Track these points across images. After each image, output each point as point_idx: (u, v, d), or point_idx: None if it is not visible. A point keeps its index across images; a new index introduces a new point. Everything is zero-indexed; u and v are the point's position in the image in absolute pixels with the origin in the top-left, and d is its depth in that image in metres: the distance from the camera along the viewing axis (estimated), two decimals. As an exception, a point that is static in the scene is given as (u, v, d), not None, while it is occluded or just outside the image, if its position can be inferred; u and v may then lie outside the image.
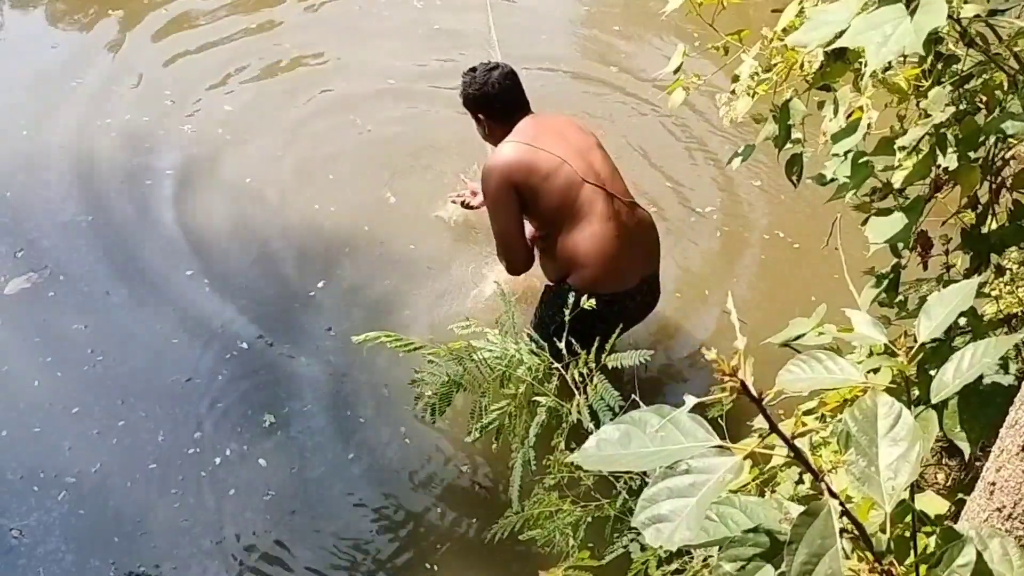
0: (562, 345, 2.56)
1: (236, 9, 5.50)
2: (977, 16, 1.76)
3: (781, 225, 4.18)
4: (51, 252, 3.96)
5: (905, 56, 1.79)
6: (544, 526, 2.51)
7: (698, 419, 1.04)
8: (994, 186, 2.03)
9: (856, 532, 1.07)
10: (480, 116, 3.13)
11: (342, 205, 4.23)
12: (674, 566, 2.20)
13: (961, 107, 1.85)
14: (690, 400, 1.01)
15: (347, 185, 4.33)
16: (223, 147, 4.52)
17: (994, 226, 2.03)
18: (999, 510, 1.28)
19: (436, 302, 3.80)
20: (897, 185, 1.90)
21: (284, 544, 3.05)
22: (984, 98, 1.88)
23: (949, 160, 1.82)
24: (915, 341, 1.24)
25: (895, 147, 1.88)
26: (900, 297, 2.12)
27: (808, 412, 2.03)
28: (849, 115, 1.90)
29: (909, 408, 1.12)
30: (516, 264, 3.15)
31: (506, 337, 2.68)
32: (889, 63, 1.76)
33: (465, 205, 3.58)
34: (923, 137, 1.84)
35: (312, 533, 3.09)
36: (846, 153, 1.90)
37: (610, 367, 2.54)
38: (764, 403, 0.99)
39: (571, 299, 2.59)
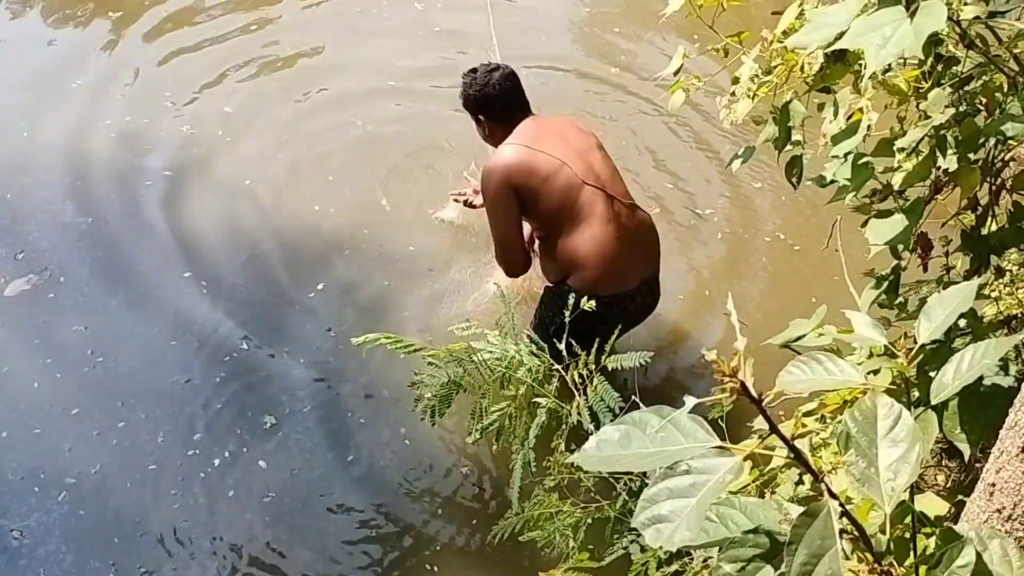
0: (562, 346, 2.56)
1: (235, 8, 5.51)
2: (977, 18, 1.77)
3: (781, 227, 4.18)
4: (51, 254, 3.96)
5: (905, 58, 1.80)
6: (544, 527, 2.51)
7: (698, 420, 1.04)
8: (994, 188, 2.03)
9: (856, 533, 1.07)
10: (480, 117, 3.13)
11: (341, 206, 4.23)
12: (674, 567, 2.20)
13: (961, 109, 1.85)
14: (690, 401, 1.01)
15: (346, 186, 4.33)
16: (222, 148, 4.52)
17: (994, 228, 2.03)
18: (999, 511, 1.28)
19: (436, 304, 3.80)
20: (897, 187, 1.90)
21: (284, 545, 3.05)
22: (984, 100, 1.88)
23: (949, 162, 1.82)
24: (915, 342, 1.25)
25: (895, 149, 1.88)
26: (900, 299, 2.13)
27: (808, 413, 2.03)
28: (849, 117, 1.90)
29: (909, 409, 1.12)
30: (514, 266, 3.16)
31: (506, 338, 2.68)
32: (889, 65, 1.76)
33: (467, 204, 3.57)
34: (923, 139, 1.84)
35: (312, 534, 3.09)
36: (846, 155, 1.90)
37: (610, 368, 2.54)
38: (764, 404, 0.99)
39: (571, 300, 2.59)
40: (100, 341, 3.63)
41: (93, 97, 4.78)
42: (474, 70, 3.11)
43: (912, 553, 1.18)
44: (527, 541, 2.55)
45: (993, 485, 1.29)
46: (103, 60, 5.08)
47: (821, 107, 2.00)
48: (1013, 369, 1.68)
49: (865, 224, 1.93)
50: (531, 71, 4.52)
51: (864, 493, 1.07)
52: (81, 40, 5.27)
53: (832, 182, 1.97)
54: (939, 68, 1.87)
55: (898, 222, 1.85)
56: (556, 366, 2.63)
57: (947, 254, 2.11)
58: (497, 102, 3.07)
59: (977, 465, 2.06)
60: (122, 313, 3.76)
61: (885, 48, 1.42)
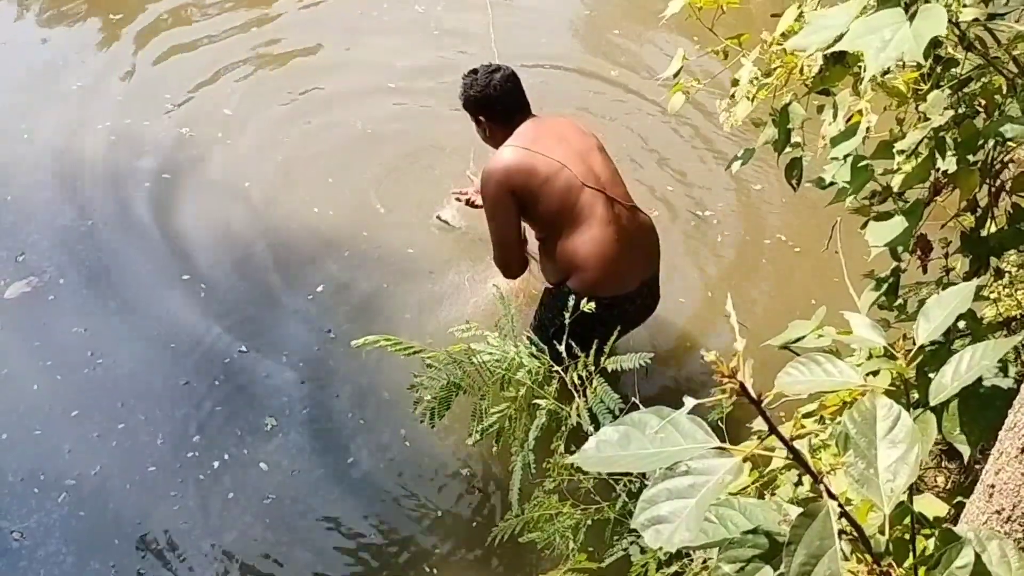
0: (562, 348, 2.56)
1: (234, 6, 5.51)
2: (976, 20, 1.77)
3: (782, 228, 4.18)
4: (51, 256, 3.97)
5: (904, 61, 1.80)
6: (544, 529, 2.50)
7: (697, 420, 1.05)
8: (993, 189, 2.04)
9: (855, 534, 1.07)
10: (481, 118, 3.13)
11: (341, 208, 4.23)
12: (673, 568, 2.20)
13: (960, 111, 1.85)
14: (689, 402, 1.01)
15: (345, 188, 4.33)
16: (221, 150, 4.52)
17: (993, 229, 2.04)
18: (998, 513, 1.28)
19: (436, 306, 3.80)
20: (896, 188, 1.90)
21: (284, 547, 3.05)
22: (983, 102, 1.88)
23: (948, 163, 1.82)
24: (914, 344, 1.25)
25: (894, 151, 1.88)
26: (900, 300, 2.13)
27: (808, 415, 2.03)
28: (848, 119, 1.90)
29: (908, 411, 1.12)
30: (511, 267, 3.18)
31: (506, 340, 2.68)
32: (887, 67, 1.77)
33: (469, 203, 3.57)
34: (922, 141, 1.84)
35: (312, 536, 3.09)
36: (845, 157, 1.90)
37: (609, 370, 2.54)
38: (764, 405, 0.99)
39: (571, 302, 2.59)
40: (100, 343, 3.64)
41: (93, 99, 4.79)
42: (474, 71, 3.11)
43: (911, 554, 1.18)
44: (527, 543, 2.54)
45: (992, 487, 1.29)
46: (103, 61, 5.09)
47: (821, 109, 2.00)
48: (1012, 371, 1.68)
49: (865, 226, 1.93)
50: (531, 70, 4.52)
51: (863, 494, 1.07)
52: (81, 42, 5.28)
53: (832, 184, 1.97)
54: (938, 70, 1.87)
55: (897, 224, 1.85)
56: (556, 368, 2.63)
57: (947, 256, 2.11)
58: (498, 103, 3.07)
59: (976, 467, 2.06)
60: (122, 315, 3.76)
61: (885, 51, 1.43)
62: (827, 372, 1.19)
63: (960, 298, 1.26)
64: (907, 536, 1.22)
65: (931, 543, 1.15)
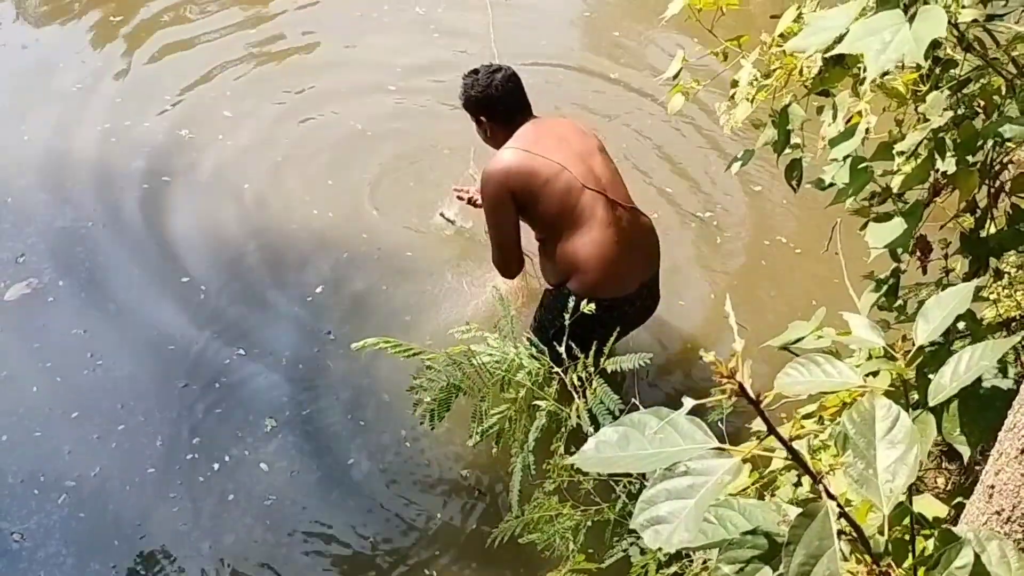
0: (562, 349, 2.56)
1: (232, 8, 5.52)
2: (975, 21, 1.77)
3: (782, 230, 4.18)
4: (51, 258, 3.97)
5: (903, 63, 1.80)
6: (544, 530, 2.50)
7: (696, 421, 1.05)
8: (992, 190, 2.04)
9: (854, 534, 1.07)
10: (482, 119, 3.12)
11: (340, 210, 4.24)
12: (673, 569, 2.19)
13: (959, 111, 1.85)
14: (688, 402, 1.01)
15: (345, 190, 4.33)
16: (220, 152, 4.52)
17: (993, 230, 2.04)
18: (998, 513, 1.28)
19: (436, 307, 3.80)
20: (896, 189, 1.90)
21: (284, 548, 3.05)
22: (982, 102, 1.88)
23: (947, 164, 1.82)
24: (913, 344, 1.25)
25: (894, 152, 1.88)
26: (899, 301, 2.13)
27: (808, 416, 2.03)
28: (848, 120, 1.90)
29: (907, 411, 1.12)
30: (508, 268, 3.19)
31: (505, 341, 2.68)
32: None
33: (470, 202, 3.56)
34: (921, 142, 1.84)
35: (311, 538, 3.09)
36: (845, 158, 1.91)
37: (609, 371, 2.54)
38: (763, 406, 0.99)
39: (571, 303, 2.59)
40: (99, 345, 3.64)
41: (92, 100, 4.79)
42: (475, 71, 3.10)
43: (910, 554, 1.18)
44: (527, 544, 2.54)
45: (992, 487, 1.29)
46: (102, 62, 5.09)
47: (820, 110, 2.00)
48: (1012, 371, 1.68)
49: (864, 227, 1.93)
50: (531, 70, 4.51)
51: (862, 494, 1.07)
52: (80, 43, 5.28)
53: (831, 185, 1.97)
54: (937, 71, 1.87)
55: (897, 225, 1.85)
56: (556, 369, 2.63)
57: (946, 256, 2.11)
58: (499, 103, 3.06)
59: (976, 467, 2.06)
60: (121, 317, 3.76)
61: (885, 53, 1.43)
62: (826, 373, 1.19)
63: (959, 299, 1.27)
64: (906, 536, 1.22)
65: (930, 543, 1.15)
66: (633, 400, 2.50)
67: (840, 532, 0.99)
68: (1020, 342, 1.72)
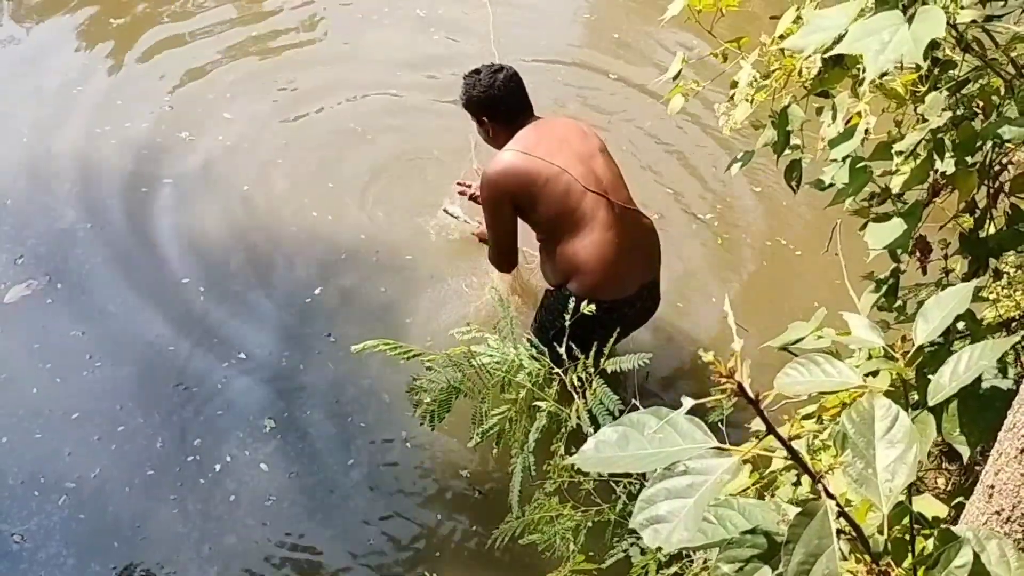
0: (562, 350, 2.56)
1: (234, 10, 5.52)
2: (973, 22, 1.77)
3: (782, 231, 4.18)
4: (50, 259, 3.97)
5: (902, 63, 1.80)
6: (544, 531, 2.50)
7: (696, 421, 1.05)
8: (992, 191, 2.04)
9: (853, 533, 1.07)
10: (483, 119, 3.11)
11: (340, 212, 4.23)
12: (673, 569, 2.20)
13: (958, 112, 1.85)
14: (687, 402, 1.02)
15: (345, 192, 4.33)
16: (220, 154, 4.52)
17: (992, 230, 2.04)
18: (998, 513, 1.28)
19: (436, 309, 3.80)
20: (895, 190, 1.90)
21: (284, 550, 3.05)
22: (981, 103, 1.89)
23: (947, 165, 1.82)
24: (913, 345, 1.25)
25: (893, 152, 1.89)
26: (899, 302, 2.13)
27: (807, 416, 2.03)
28: (847, 121, 1.90)
29: (907, 411, 1.12)
30: (503, 264, 3.26)
31: (506, 342, 2.68)
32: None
33: (472, 199, 3.56)
34: (920, 142, 1.84)
35: (311, 539, 3.09)
36: (844, 158, 1.91)
37: (609, 372, 2.54)
38: (763, 407, 0.99)
39: (571, 305, 2.60)
40: (99, 346, 3.64)
41: (94, 104, 4.78)
42: (477, 71, 3.10)
43: (910, 554, 1.18)
44: (527, 545, 2.55)
45: (992, 487, 1.29)
46: (102, 65, 5.08)
47: (820, 111, 2.01)
48: (1012, 371, 1.68)
49: (864, 228, 1.93)
50: (532, 69, 4.51)
51: (862, 494, 1.07)
52: (80, 44, 5.27)
53: (831, 186, 1.98)
54: (936, 72, 1.87)
55: (896, 225, 1.85)
56: (556, 370, 2.64)
57: (946, 257, 2.12)
58: (501, 104, 3.06)
59: (976, 467, 2.06)
60: (121, 318, 3.76)
61: (884, 54, 1.43)
62: (826, 373, 1.19)
63: (959, 299, 1.27)
64: (906, 536, 1.22)
65: (930, 543, 1.15)
66: (633, 401, 2.50)
67: (839, 531, 0.99)
68: (1020, 342, 1.72)
